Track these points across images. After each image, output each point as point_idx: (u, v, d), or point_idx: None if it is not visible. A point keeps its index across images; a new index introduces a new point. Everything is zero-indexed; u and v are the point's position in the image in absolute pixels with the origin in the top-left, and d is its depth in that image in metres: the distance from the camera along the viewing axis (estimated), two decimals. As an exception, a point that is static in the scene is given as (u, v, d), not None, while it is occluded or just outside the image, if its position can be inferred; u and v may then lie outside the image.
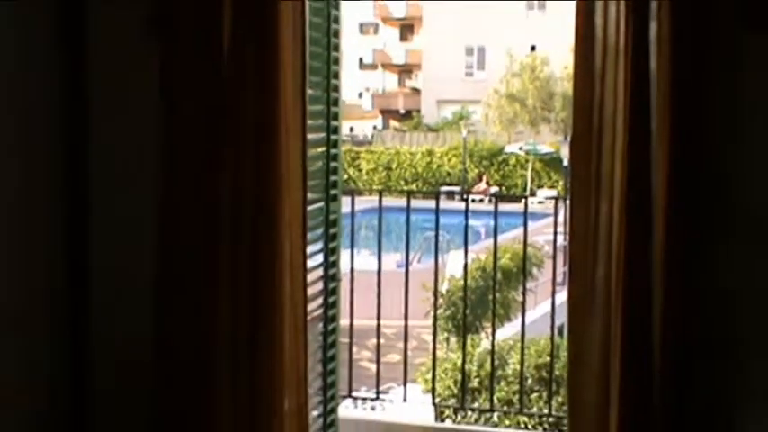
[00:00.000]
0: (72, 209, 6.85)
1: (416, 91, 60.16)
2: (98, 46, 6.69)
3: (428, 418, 8.45)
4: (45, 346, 6.88)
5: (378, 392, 9.27)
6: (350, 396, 8.18)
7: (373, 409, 8.38)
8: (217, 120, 6.26)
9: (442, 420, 8.73)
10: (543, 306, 10.23)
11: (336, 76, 6.63)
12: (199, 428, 6.38)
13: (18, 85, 6.57)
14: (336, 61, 6.63)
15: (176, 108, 6.36)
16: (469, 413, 9.00)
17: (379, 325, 9.06)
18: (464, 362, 9.61)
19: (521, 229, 10.46)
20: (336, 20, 6.65)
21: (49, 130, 6.78)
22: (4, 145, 6.51)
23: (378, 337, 9.54)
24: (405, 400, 8.91)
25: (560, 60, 50.86)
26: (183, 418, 6.43)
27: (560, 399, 7.98)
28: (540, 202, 29.45)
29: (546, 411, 8.79)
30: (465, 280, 10.80)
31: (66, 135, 6.79)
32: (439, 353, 9.67)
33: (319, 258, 6.65)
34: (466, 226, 10.27)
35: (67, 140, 6.80)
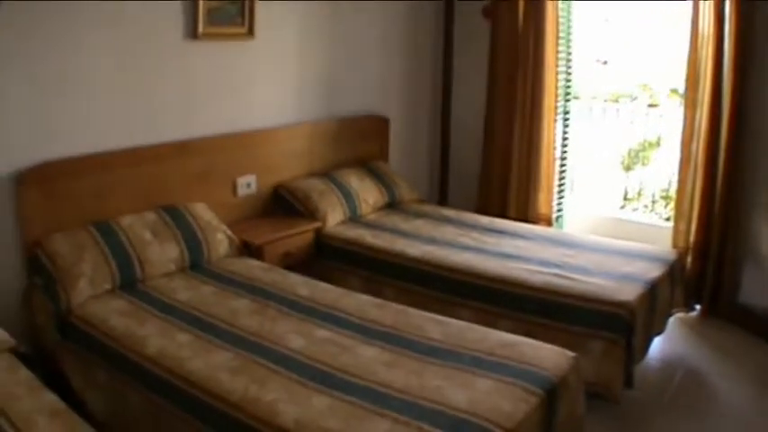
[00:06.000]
0: (444, 97, 6.93)
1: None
2: (460, 20, 6.73)
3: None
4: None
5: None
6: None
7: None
8: (514, 58, 6.26)
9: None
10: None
11: (570, 43, 6.42)
12: (501, 187, 6.53)
13: (425, 41, 6.66)
14: (570, 38, 6.44)
15: (495, 52, 6.38)
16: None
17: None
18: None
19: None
20: (570, 22, 6.45)
21: (433, 58, 6.86)
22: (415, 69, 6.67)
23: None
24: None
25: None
26: (496, 180, 6.56)
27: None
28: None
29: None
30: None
31: (444, 63, 6.85)
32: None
33: (561, 127, 6.52)
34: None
35: (443, 65, 6.86)
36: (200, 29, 4.72)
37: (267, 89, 5.39)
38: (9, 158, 3.94)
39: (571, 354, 3.37)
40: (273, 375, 3.11)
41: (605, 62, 7.35)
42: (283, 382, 3.06)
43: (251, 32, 5.08)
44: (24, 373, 3.14)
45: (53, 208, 4.10)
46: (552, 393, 3.08)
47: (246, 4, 4.99)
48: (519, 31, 6.23)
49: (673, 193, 6.21)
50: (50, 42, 4.04)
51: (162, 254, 4.24)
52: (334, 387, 3.01)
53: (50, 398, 2.92)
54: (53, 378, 3.75)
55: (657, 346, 4.93)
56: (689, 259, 5.62)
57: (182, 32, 4.68)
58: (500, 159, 6.50)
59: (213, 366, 3.18)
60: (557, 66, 6.29)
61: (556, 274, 4.39)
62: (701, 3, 5.40)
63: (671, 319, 5.02)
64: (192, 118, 4.88)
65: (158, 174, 4.64)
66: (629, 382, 4.09)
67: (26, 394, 2.93)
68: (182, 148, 4.77)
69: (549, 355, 3.31)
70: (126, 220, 4.29)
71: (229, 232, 4.68)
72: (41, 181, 4.03)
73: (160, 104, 4.66)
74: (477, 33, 6.58)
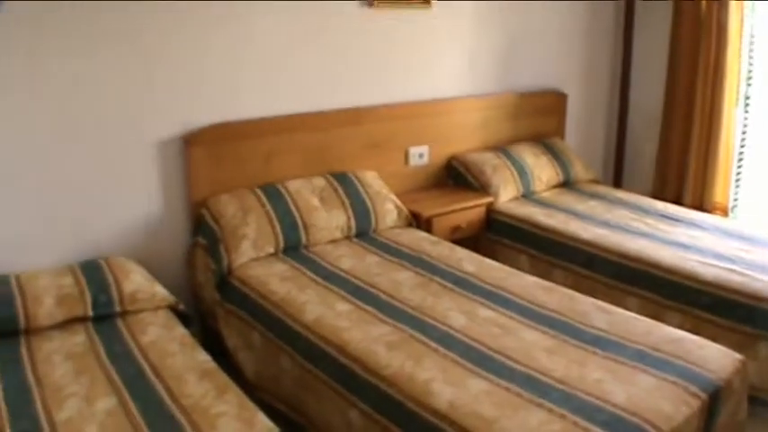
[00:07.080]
0: (624, 68, 6.75)
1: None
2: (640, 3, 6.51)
3: None
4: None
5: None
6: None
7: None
8: (696, 39, 6.03)
9: None
10: None
11: (753, 34, 6.11)
12: (678, 172, 6.34)
13: (606, 18, 6.48)
14: (752, 32, 6.11)
15: (677, 32, 6.17)
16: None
17: None
18: None
19: None
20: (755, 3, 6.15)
21: (613, 35, 6.66)
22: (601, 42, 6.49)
23: None
24: None
25: None
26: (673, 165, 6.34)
27: None
28: None
29: None
30: None
31: (624, 42, 6.65)
32: None
33: (741, 113, 6.23)
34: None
35: (623, 43, 6.65)
36: (377, -4, 4.75)
37: (443, 60, 5.36)
38: (179, 121, 4.07)
39: (738, 356, 3.17)
40: (431, 353, 3.06)
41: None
42: (440, 360, 3.00)
43: (427, 1, 5.07)
44: (180, 331, 3.24)
45: (220, 169, 4.21)
46: (715, 397, 2.91)
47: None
48: (702, 11, 5.98)
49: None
50: (224, 11, 4.12)
51: (329, 220, 4.27)
52: (492, 370, 2.93)
53: (202, 357, 2.99)
54: (208, 337, 3.84)
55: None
56: None
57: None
58: (678, 144, 6.29)
59: (370, 339, 3.16)
60: (740, 49, 6.00)
61: (729, 269, 4.16)
62: None
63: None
64: (366, 86, 4.90)
65: (329, 140, 4.69)
66: (795, 390, 3.88)
67: (179, 352, 3.02)
68: (354, 116, 4.80)
69: (715, 356, 3.13)
70: (294, 185, 4.34)
71: (398, 202, 4.68)
72: (209, 143, 4.13)
73: (333, 71, 4.70)
74: (659, 14, 6.36)
